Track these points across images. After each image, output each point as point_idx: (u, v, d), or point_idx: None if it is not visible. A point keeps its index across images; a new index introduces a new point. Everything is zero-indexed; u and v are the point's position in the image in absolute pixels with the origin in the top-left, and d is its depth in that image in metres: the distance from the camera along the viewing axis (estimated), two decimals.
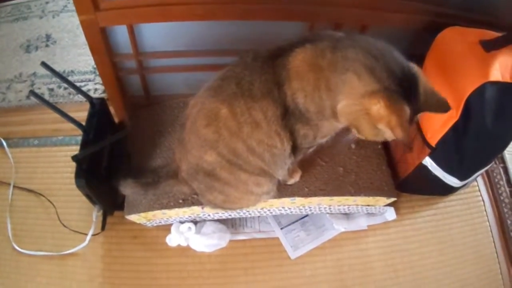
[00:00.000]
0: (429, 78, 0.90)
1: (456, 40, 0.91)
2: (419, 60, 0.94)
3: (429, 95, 0.68)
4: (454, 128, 0.88)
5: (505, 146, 0.94)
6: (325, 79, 0.70)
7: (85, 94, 1.00)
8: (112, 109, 1.12)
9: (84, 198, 1.01)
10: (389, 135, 0.68)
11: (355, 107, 0.68)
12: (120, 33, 0.96)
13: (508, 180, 1.23)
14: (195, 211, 1.00)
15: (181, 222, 1.07)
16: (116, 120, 1.15)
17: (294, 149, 0.82)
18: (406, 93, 0.65)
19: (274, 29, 0.97)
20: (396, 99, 0.64)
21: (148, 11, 0.89)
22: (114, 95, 1.10)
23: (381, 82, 0.65)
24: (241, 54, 0.79)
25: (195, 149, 0.82)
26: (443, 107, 0.70)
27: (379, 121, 0.66)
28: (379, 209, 1.11)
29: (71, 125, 0.93)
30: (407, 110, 0.65)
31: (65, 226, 1.10)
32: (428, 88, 0.68)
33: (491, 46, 0.85)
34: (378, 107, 0.64)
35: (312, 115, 0.74)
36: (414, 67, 0.68)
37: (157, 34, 0.99)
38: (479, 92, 0.81)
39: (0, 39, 1.53)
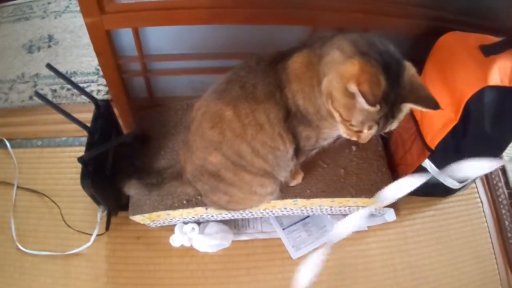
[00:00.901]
0: (429, 81, 0.93)
1: (456, 45, 0.92)
2: (420, 64, 0.95)
3: (417, 87, 0.67)
4: (454, 131, 0.89)
5: (503, 149, 0.95)
6: (316, 75, 0.71)
7: (90, 96, 1.00)
8: (116, 111, 1.13)
9: (88, 199, 1.01)
10: (360, 103, 0.64)
11: (332, 75, 0.66)
12: (125, 35, 0.96)
13: (506, 182, 1.24)
14: (199, 212, 1.01)
15: (185, 223, 1.07)
16: (121, 122, 1.16)
17: (297, 151, 0.83)
18: (385, 66, 0.64)
19: (277, 33, 0.99)
20: (372, 63, 0.63)
21: (153, 15, 0.90)
22: (118, 96, 1.11)
23: (361, 50, 0.65)
24: (245, 58, 0.80)
25: (200, 150, 0.83)
26: (431, 103, 0.67)
27: (350, 79, 0.62)
28: (379, 210, 1.12)
29: (74, 126, 0.94)
30: (381, 78, 0.63)
31: (69, 226, 1.11)
32: (416, 81, 0.68)
33: (490, 51, 0.86)
34: (352, 68, 0.63)
35: (313, 116, 0.76)
36: (405, 62, 0.68)
37: (162, 37, 1.00)
38: (479, 96, 0.83)
39: (2, 39, 1.53)
